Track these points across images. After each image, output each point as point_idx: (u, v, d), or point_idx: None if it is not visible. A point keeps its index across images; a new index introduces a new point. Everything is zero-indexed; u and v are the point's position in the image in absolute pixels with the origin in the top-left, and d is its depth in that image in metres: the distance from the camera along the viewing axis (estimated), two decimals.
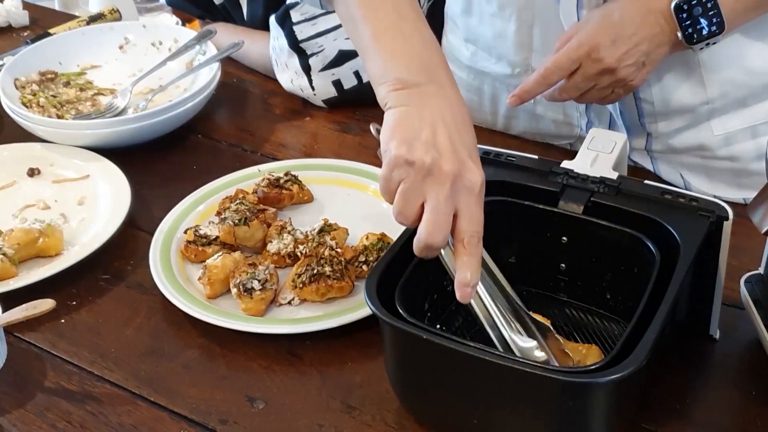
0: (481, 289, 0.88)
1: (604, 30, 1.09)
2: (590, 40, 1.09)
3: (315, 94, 1.44)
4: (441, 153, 0.84)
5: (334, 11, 1.38)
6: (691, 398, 0.94)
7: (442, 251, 0.85)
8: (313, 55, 1.41)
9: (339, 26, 1.40)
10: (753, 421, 0.91)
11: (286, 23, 1.42)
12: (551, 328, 0.92)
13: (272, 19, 1.45)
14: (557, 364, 0.89)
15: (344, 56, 1.41)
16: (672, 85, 1.19)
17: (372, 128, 0.91)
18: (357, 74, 1.43)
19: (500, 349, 0.88)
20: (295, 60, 1.43)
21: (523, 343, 0.88)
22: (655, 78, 1.18)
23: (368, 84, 1.41)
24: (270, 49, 1.48)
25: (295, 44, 1.41)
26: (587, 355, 0.93)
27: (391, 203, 0.86)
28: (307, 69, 1.42)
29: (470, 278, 0.84)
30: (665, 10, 1.08)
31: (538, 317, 0.94)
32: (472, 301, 0.87)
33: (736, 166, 1.22)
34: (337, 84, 1.43)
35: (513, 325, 0.90)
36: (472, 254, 0.84)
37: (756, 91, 1.17)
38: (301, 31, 1.41)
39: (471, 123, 0.89)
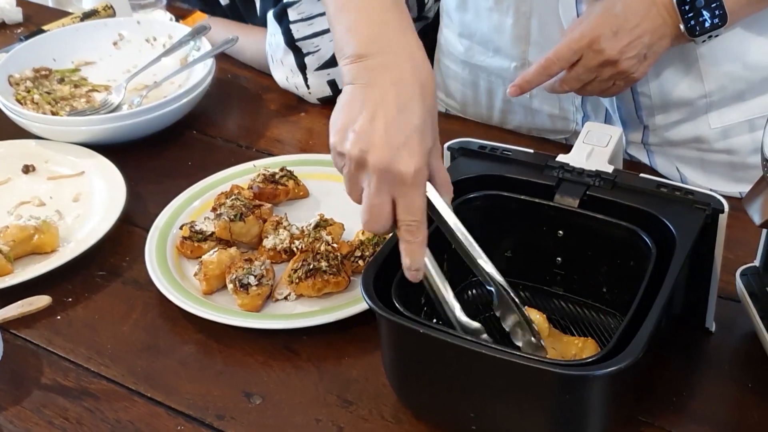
0: (431, 270, 0.87)
1: (606, 21, 1.09)
2: (592, 32, 1.09)
3: (310, 93, 1.44)
4: (370, 145, 0.83)
5: None
6: (687, 391, 0.94)
7: (396, 233, 0.86)
8: (308, 54, 1.41)
9: None
10: (749, 413, 0.92)
11: (283, 20, 1.42)
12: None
13: (270, 14, 1.45)
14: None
15: None
16: (670, 78, 1.19)
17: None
18: None
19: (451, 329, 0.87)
20: (290, 58, 1.42)
21: (469, 325, 0.87)
22: (653, 71, 1.17)
23: None
24: (266, 44, 1.47)
25: (291, 42, 1.41)
26: (583, 348, 0.93)
27: None
28: (302, 67, 1.42)
29: (410, 263, 0.85)
30: (668, 2, 1.08)
31: (533, 311, 0.94)
32: (424, 282, 0.87)
33: (732, 159, 1.22)
34: (332, 84, 1.43)
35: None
36: (410, 241, 0.85)
37: (754, 85, 1.17)
38: (298, 30, 1.41)
39: (421, 97, 0.85)
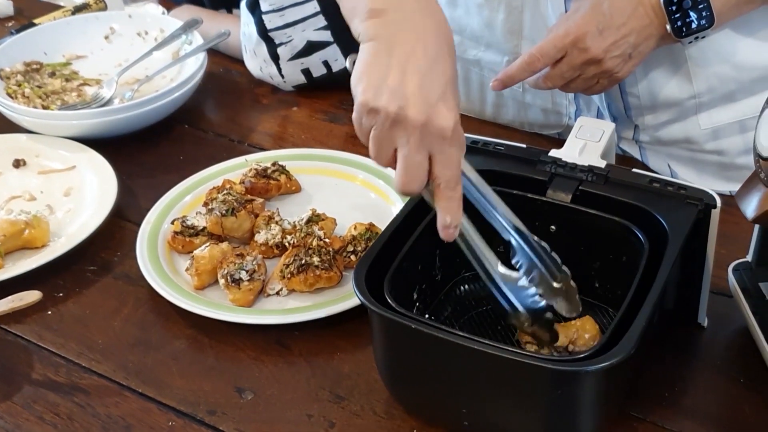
0: (467, 227, 0.87)
1: (592, 19, 1.08)
2: (578, 29, 1.08)
3: (285, 81, 1.45)
4: (408, 99, 0.80)
5: (302, 2, 1.39)
6: (679, 386, 0.94)
7: (425, 192, 0.85)
8: (281, 44, 1.41)
9: (307, 18, 1.40)
10: (741, 408, 0.92)
11: (256, 11, 1.42)
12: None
13: (243, 4, 1.45)
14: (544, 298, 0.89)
15: (313, 47, 1.41)
16: (659, 79, 1.18)
17: (348, 62, 0.88)
18: (326, 64, 1.43)
19: (488, 283, 0.89)
20: (263, 48, 1.43)
21: (510, 274, 0.88)
22: (641, 72, 1.17)
23: (338, 73, 1.43)
24: (240, 34, 1.47)
25: (263, 32, 1.41)
26: (581, 327, 0.93)
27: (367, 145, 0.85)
28: (275, 57, 1.43)
29: (450, 221, 0.84)
30: (655, 2, 1.07)
31: None
32: (458, 240, 0.87)
33: (723, 159, 1.21)
34: (306, 72, 1.44)
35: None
36: (449, 198, 0.83)
37: (744, 85, 1.16)
38: (270, 21, 1.41)
39: (448, 53, 0.84)
